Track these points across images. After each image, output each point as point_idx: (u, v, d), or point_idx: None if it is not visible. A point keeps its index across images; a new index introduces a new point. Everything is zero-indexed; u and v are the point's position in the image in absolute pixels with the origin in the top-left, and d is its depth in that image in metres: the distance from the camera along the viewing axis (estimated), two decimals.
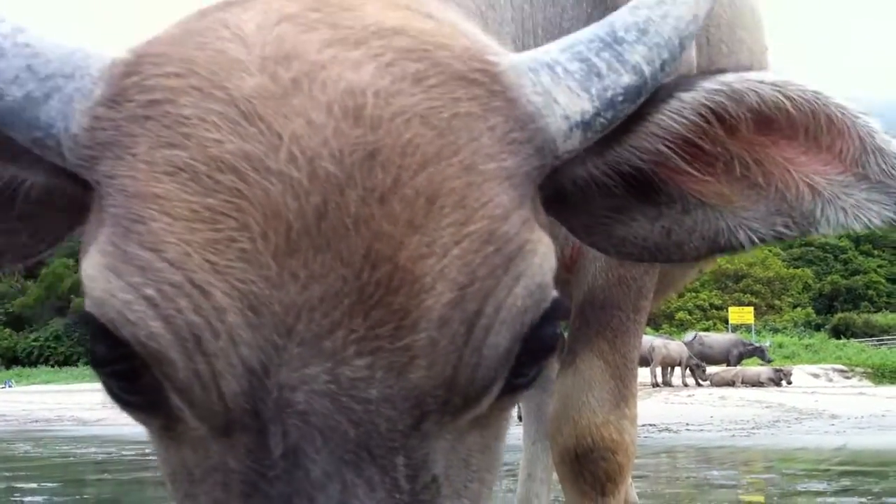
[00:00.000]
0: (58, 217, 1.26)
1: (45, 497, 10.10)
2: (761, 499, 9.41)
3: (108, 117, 1.06)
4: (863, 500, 8.64)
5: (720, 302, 71.83)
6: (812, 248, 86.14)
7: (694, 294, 71.70)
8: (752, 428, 20.25)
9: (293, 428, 0.97)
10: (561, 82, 1.16)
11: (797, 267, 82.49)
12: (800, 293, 79.71)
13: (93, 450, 17.26)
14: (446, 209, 1.00)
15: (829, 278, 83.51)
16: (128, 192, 1.01)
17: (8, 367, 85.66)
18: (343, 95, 1.01)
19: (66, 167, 1.10)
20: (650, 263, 2.59)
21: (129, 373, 1.04)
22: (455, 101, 1.06)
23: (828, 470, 11.62)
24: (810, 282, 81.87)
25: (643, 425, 17.58)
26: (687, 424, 20.83)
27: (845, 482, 10.21)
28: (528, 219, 1.07)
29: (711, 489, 9.92)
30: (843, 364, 46.81)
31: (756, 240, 1.34)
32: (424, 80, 1.06)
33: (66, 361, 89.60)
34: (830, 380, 43.32)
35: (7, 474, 12.54)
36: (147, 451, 16.84)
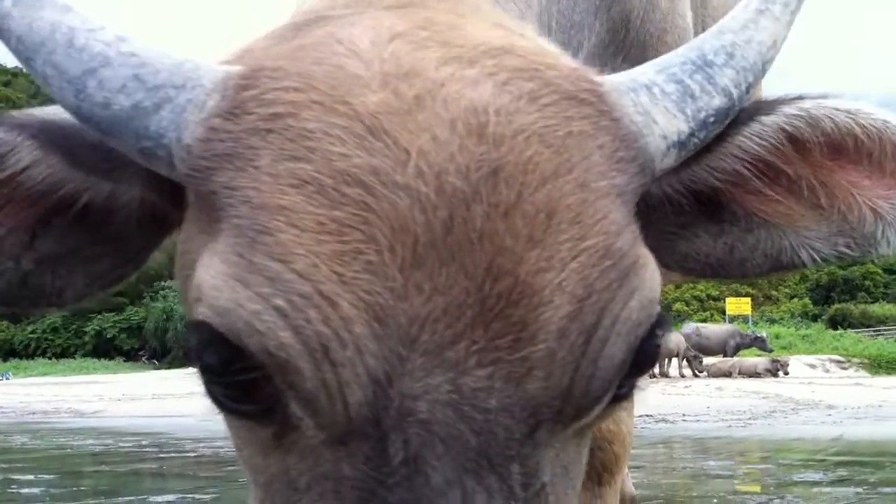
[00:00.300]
0: (140, 238, 1.27)
1: (42, 489, 10.11)
2: (757, 489, 9.43)
3: (225, 129, 1.06)
4: (859, 489, 8.67)
5: (717, 293, 71.91)
6: None
7: (691, 285, 71.79)
8: (749, 418, 20.30)
9: (415, 436, 0.99)
10: (659, 103, 1.20)
11: None
12: (797, 284, 79.80)
13: (90, 442, 17.28)
14: (563, 225, 1.02)
15: (826, 269, 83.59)
16: (252, 204, 1.01)
17: (5, 360, 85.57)
18: (465, 113, 1.04)
19: (171, 178, 1.11)
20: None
21: (245, 382, 1.05)
22: (568, 120, 1.08)
23: (824, 460, 11.65)
24: (807, 272, 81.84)
25: (640, 416, 17.62)
26: (684, 415, 20.87)
27: (841, 472, 10.25)
28: (637, 235, 1.10)
29: (708, 479, 9.95)
30: (840, 354, 46.88)
31: (818, 259, 1.39)
32: (539, 99, 1.08)
33: (64, 353, 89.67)
34: (827, 370, 43.39)
35: (4, 466, 12.55)
36: (144, 443, 16.88)
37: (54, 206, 1.20)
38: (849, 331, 61.06)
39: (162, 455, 14.46)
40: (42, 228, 1.21)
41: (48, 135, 1.15)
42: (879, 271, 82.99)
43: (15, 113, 1.18)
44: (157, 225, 1.21)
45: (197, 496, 9.40)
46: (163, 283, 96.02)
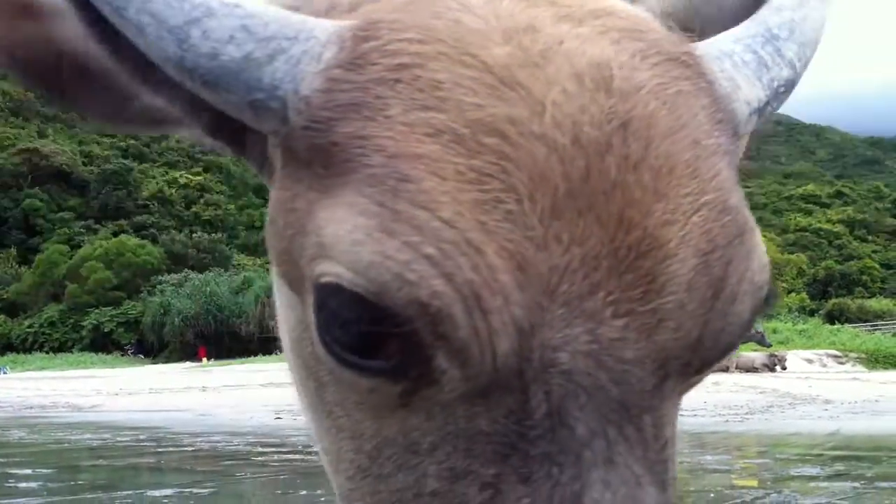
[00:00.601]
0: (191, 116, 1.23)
1: (40, 483, 10.12)
2: (754, 483, 9.45)
3: (348, 79, 1.05)
4: (856, 484, 8.69)
5: None
6: (807, 234, 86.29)
7: None
8: (746, 413, 20.34)
9: (557, 387, 0.98)
10: (740, 70, 1.22)
11: (792, 252, 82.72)
12: (794, 278, 79.92)
13: (87, 436, 17.29)
14: (683, 179, 1.04)
15: (823, 263, 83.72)
16: (387, 153, 1.01)
17: (2, 354, 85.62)
18: (590, 67, 1.05)
19: (278, 131, 1.09)
20: None
21: (376, 340, 1.02)
22: (675, 80, 1.09)
23: (821, 455, 11.68)
24: (805, 267, 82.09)
25: None
26: (681, 410, 20.86)
27: (838, 467, 10.26)
28: (743, 197, 1.11)
29: (705, 474, 9.97)
30: (837, 349, 46.98)
31: None
32: (648, 59, 1.09)
33: (61, 348, 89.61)
34: (824, 365, 43.49)
35: (2, 460, 12.55)
36: (141, 437, 16.88)
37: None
38: (846, 326, 61.19)
39: (160, 449, 14.47)
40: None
41: None
42: (877, 266, 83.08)
43: None
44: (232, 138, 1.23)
45: (195, 490, 9.42)
46: (160, 278, 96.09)
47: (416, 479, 1.07)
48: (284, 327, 1.24)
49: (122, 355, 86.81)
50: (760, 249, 1.12)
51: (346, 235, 1.01)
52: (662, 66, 1.10)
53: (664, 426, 1.06)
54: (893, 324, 64.27)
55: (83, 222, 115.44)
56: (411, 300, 0.98)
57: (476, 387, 1.01)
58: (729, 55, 1.23)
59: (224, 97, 1.09)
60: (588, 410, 0.99)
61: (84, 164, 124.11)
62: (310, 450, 13.64)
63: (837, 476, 9.38)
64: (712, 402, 23.06)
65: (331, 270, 1.02)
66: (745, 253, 1.08)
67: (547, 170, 0.99)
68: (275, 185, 1.17)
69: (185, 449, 14.40)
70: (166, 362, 76.66)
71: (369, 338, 1.03)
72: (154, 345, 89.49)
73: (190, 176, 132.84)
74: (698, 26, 1.39)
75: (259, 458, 12.72)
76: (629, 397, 1.01)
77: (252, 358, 65.84)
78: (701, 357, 1.07)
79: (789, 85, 1.28)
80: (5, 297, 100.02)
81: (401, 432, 1.08)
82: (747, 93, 1.21)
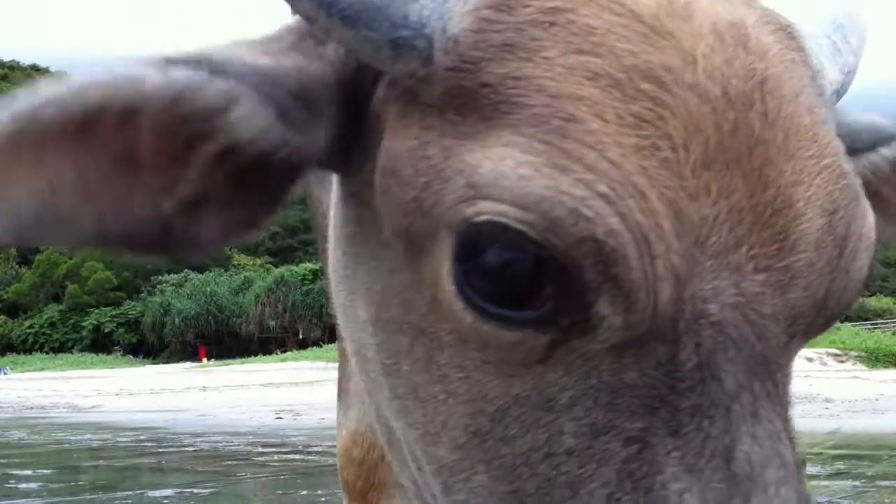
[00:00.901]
0: (276, 187, 1.17)
1: (40, 484, 10.11)
2: None
3: (499, 20, 1.05)
4: (856, 483, 8.69)
5: None
6: None
7: None
8: None
9: (708, 339, 0.99)
10: (822, 51, 1.26)
11: None
12: None
13: (88, 436, 17.29)
14: (805, 141, 1.06)
15: None
16: (550, 93, 1.00)
17: (2, 354, 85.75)
18: (729, 25, 1.06)
19: (414, 73, 1.06)
20: None
21: (528, 287, 1.01)
22: (788, 49, 1.11)
23: (821, 453, 11.68)
24: None
25: None
26: None
27: (839, 465, 10.27)
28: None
29: None
30: (837, 348, 46.93)
31: None
32: (768, 24, 1.11)
33: (61, 348, 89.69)
34: (824, 363, 43.46)
35: (2, 461, 12.55)
36: (142, 437, 16.88)
37: (232, 158, 1.10)
38: (846, 324, 61.13)
39: (160, 450, 14.47)
40: (186, 172, 1.11)
41: (264, 85, 1.09)
42: (877, 265, 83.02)
43: (222, 56, 1.10)
44: (293, 175, 1.15)
45: (195, 490, 9.42)
46: (160, 278, 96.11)
47: (548, 437, 1.04)
48: (363, 302, 1.21)
49: (108, 354, 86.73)
50: (870, 212, 1.14)
51: (511, 172, 0.99)
52: (778, 34, 1.12)
53: (788, 385, 1.07)
54: (894, 322, 64.29)
55: None
56: (585, 237, 0.97)
57: (632, 336, 1.00)
58: (812, 37, 1.24)
59: (363, 34, 1.06)
60: (736, 363, 0.99)
61: None
62: (310, 450, 13.66)
63: (838, 475, 9.38)
64: None
65: (490, 209, 1.00)
66: (862, 213, 1.11)
67: (700, 120, 1.00)
68: (388, 137, 1.13)
69: (186, 449, 14.41)
70: (167, 363, 76.66)
71: (521, 285, 1.01)
72: (154, 345, 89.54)
73: None
74: None
75: (259, 459, 12.73)
76: (768, 352, 1.02)
77: (252, 358, 65.92)
78: (824, 316, 1.09)
79: (854, 71, 1.32)
80: (5, 297, 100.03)
81: (535, 389, 1.05)
82: (830, 73, 1.24)
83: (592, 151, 0.97)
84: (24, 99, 1.04)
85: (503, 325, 1.03)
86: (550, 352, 1.03)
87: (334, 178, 1.32)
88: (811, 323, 1.08)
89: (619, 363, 1.01)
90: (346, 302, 1.27)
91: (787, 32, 1.14)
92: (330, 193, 1.42)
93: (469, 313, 1.04)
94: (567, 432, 1.03)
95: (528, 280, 1.01)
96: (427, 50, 1.05)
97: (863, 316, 66.29)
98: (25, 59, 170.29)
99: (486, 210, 1.00)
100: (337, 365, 2.70)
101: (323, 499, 8.76)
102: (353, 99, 1.17)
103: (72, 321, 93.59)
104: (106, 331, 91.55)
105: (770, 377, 1.01)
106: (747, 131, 1.01)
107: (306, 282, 79.10)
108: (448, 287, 1.05)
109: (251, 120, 1.07)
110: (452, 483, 1.13)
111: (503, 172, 0.99)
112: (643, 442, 1.00)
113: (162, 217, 1.12)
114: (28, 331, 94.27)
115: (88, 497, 9.02)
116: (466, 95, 1.05)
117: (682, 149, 0.99)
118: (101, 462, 13.05)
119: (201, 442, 15.35)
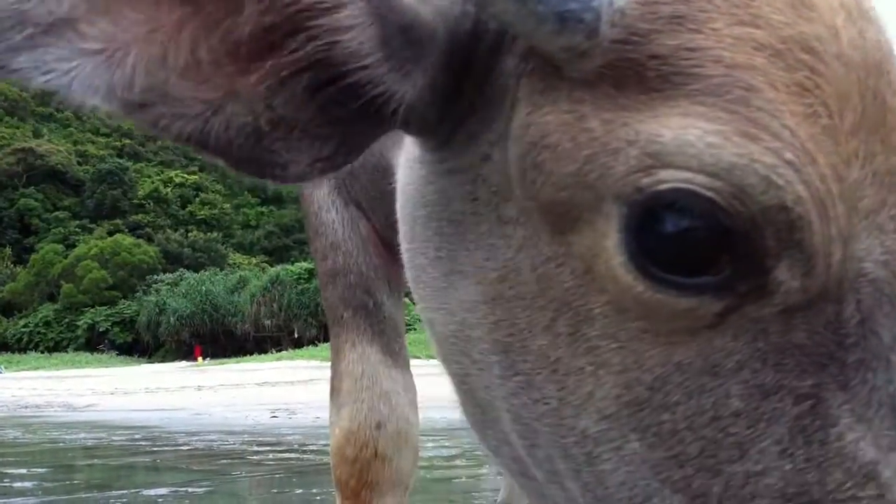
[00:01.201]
0: (366, 128, 1.16)
1: (35, 482, 10.11)
2: None
3: None
4: None
5: None
6: None
7: None
8: None
9: (867, 296, 1.04)
10: None
11: None
12: None
13: (82, 435, 17.27)
14: None
15: None
16: (726, 63, 1.03)
17: None
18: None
19: (574, 47, 1.05)
20: None
21: (711, 253, 1.03)
22: (883, 29, 1.16)
23: None
24: None
25: None
26: None
27: None
28: None
29: None
30: None
31: None
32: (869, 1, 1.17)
33: (56, 347, 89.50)
34: None
35: None
36: (137, 436, 16.86)
37: (327, 75, 1.09)
38: None
39: (155, 449, 14.47)
40: (286, 86, 1.10)
41: (381, 5, 1.07)
42: None
43: None
44: (378, 123, 1.13)
45: (190, 489, 9.42)
46: (155, 277, 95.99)
47: (714, 401, 1.05)
48: (470, 281, 1.19)
49: (92, 353, 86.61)
50: None
51: (698, 140, 1.01)
52: (874, 12, 1.16)
53: None
54: None
55: (78, 222, 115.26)
56: (775, 204, 1.00)
57: (806, 298, 1.04)
58: None
59: (530, 7, 1.04)
60: (892, 317, 1.05)
61: (79, 163, 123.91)
62: (305, 448, 13.65)
63: None
64: None
65: (675, 177, 1.01)
66: None
67: (848, 88, 1.04)
68: (530, 112, 1.12)
69: (181, 448, 14.40)
70: (162, 361, 76.59)
71: (699, 252, 1.03)
72: (149, 344, 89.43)
73: (185, 175, 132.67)
74: None
75: (254, 457, 12.72)
76: None
77: (247, 357, 65.87)
78: None
79: None
80: (0, 296, 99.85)
81: (700, 355, 1.06)
82: None
83: (775, 120, 1.01)
84: None
85: (679, 292, 1.04)
86: (722, 318, 1.05)
87: (410, 158, 1.31)
88: None
89: (788, 324, 1.05)
90: (438, 284, 1.25)
91: (873, 16, 1.17)
92: (396, 172, 1.41)
93: (641, 282, 1.05)
94: (734, 395, 1.05)
95: (706, 247, 1.03)
96: (594, 23, 1.04)
97: None
98: None
99: (668, 178, 1.02)
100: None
101: (318, 497, 8.77)
102: (464, 62, 1.16)
103: (67, 320, 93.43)
104: (101, 330, 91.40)
105: None
106: (882, 99, 1.07)
107: (302, 281, 78.94)
108: (616, 258, 1.05)
109: (356, 31, 1.06)
110: (599, 453, 1.12)
111: (689, 140, 1.01)
112: (816, 398, 1.04)
113: (259, 131, 1.11)
114: (23, 330, 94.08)
115: (83, 496, 9.02)
116: (630, 68, 1.06)
117: (837, 116, 1.03)
118: (95, 461, 13.04)
119: (196, 441, 15.35)
